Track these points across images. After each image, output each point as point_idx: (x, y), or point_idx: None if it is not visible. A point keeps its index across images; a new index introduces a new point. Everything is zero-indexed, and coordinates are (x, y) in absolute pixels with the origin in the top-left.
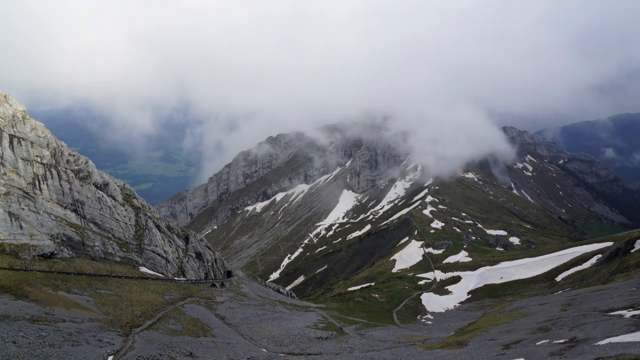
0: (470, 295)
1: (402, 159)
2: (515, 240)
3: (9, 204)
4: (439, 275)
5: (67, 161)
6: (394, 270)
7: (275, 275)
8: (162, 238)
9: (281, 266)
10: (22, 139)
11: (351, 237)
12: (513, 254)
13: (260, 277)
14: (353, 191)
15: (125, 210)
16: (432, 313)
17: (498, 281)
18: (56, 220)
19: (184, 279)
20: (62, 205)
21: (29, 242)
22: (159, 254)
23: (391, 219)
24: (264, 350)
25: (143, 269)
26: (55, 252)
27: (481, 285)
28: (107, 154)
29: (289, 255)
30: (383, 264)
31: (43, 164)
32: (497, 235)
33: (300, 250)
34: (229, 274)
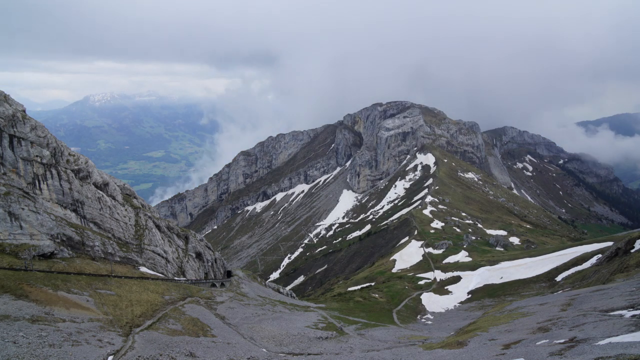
0: (470, 295)
1: (403, 158)
2: (515, 240)
3: (9, 204)
4: (439, 275)
5: (67, 161)
6: (394, 270)
7: (275, 275)
8: (162, 238)
9: (281, 266)
10: (22, 138)
11: (351, 237)
12: (513, 254)
13: (260, 277)
14: (353, 191)
15: (125, 210)
16: (432, 313)
17: (498, 281)
18: (56, 220)
19: (184, 279)
20: (62, 205)
21: (29, 242)
22: (159, 254)
23: (391, 219)
24: (264, 350)
25: (143, 269)
26: (55, 252)
27: (481, 285)
28: (107, 154)
29: (289, 255)
30: (383, 264)
31: (43, 164)
32: (497, 235)
33: (300, 250)
34: (229, 274)
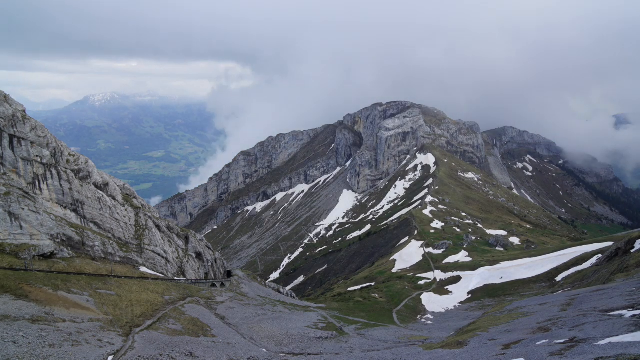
0: (470, 295)
1: (403, 158)
2: (515, 240)
3: (9, 204)
4: (439, 275)
5: (67, 161)
6: (394, 270)
7: (275, 275)
8: (162, 238)
9: (281, 266)
10: (22, 138)
11: (351, 237)
12: (513, 254)
13: (260, 277)
14: (353, 191)
15: (125, 210)
16: (432, 313)
17: (498, 281)
18: (56, 220)
19: (184, 279)
20: (62, 205)
21: (29, 242)
22: (159, 254)
23: (391, 219)
24: (264, 350)
25: (143, 269)
26: (55, 252)
27: (481, 285)
28: (107, 154)
29: (289, 255)
30: (383, 264)
31: (43, 164)
32: (497, 235)
33: (300, 250)
34: (229, 274)
